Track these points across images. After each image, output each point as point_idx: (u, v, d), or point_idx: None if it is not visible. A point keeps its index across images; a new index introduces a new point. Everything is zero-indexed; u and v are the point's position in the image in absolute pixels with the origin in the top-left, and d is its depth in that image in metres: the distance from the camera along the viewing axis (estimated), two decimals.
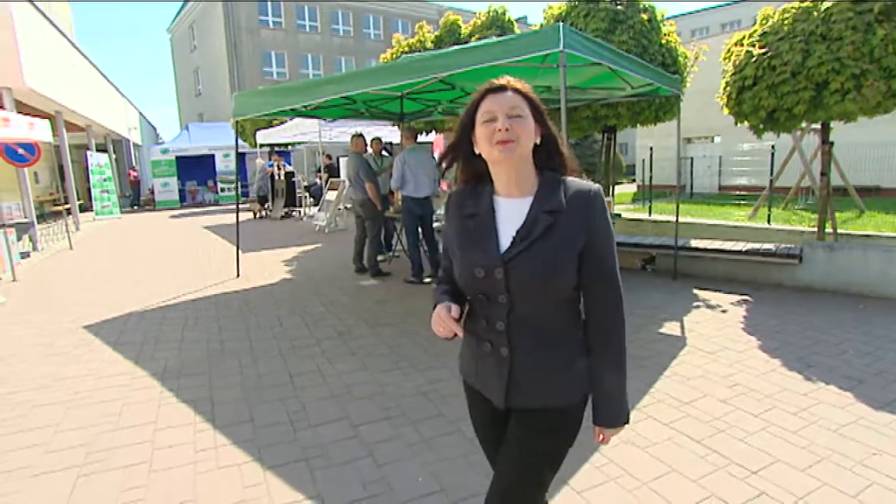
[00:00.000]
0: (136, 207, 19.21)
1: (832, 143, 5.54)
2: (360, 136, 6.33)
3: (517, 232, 1.19)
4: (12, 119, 7.39)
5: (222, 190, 19.69)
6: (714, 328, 4.28)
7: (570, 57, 3.47)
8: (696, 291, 5.41)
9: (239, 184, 19.88)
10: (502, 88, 1.21)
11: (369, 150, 7.02)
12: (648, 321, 4.50)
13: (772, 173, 9.06)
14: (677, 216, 5.83)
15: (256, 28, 28.52)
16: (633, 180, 23.39)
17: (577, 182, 1.24)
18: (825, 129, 5.48)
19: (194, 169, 19.52)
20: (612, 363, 1.26)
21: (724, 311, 4.73)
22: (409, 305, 5.18)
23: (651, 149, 12.07)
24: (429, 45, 8.61)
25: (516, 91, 1.21)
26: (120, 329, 4.68)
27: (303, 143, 15.45)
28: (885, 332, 4.04)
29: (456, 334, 1.20)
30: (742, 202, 12.74)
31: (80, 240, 10.84)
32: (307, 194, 13.18)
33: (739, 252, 5.53)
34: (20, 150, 9.13)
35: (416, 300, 5.35)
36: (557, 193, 1.20)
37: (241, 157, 20.12)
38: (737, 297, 5.11)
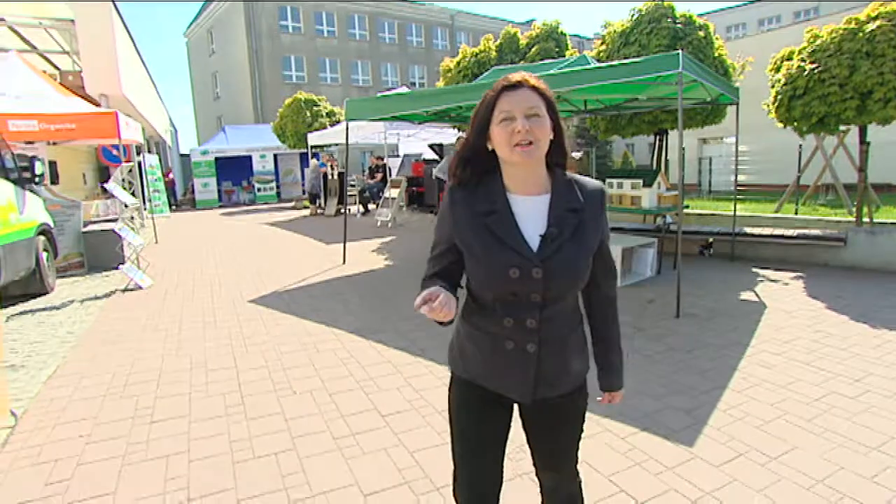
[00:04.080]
0: (174, 207, 19.98)
1: (869, 143, 6.46)
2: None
3: (547, 231, 1.21)
4: (129, 122, 8.22)
5: (259, 190, 20.49)
6: (784, 295, 5.19)
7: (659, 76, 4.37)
8: (754, 270, 6.32)
9: (275, 184, 20.73)
10: (519, 85, 1.20)
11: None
12: (726, 291, 5.41)
13: (799, 170, 9.99)
14: (735, 206, 6.76)
15: (276, 33, 29.26)
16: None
17: (586, 180, 1.29)
18: (863, 132, 6.40)
19: (230, 169, 20.31)
20: (617, 343, 1.44)
21: (785, 284, 5.64)
22: None
23: (683, 149, 13.00)
24: (493, 54, 9.50)
25: (533, 88, 1.20)
26: (286, 302, 5.53)
27: (338, 144, 16.27)
28: None
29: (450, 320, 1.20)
30: (761, 198, 13.67)
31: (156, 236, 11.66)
32: (357, 195, 14.02)
33: (791, 237, 6.44)
34: (114, 151, 10.01)
35: None
36: (574, 192, 1.25)
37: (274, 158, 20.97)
38: (793, 275, 6.03)
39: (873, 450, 2.49)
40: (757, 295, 5.27)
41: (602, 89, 5.55)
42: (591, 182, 1.29)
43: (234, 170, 20.41)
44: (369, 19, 32.13)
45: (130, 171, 7.88)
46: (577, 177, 1.29)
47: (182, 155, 26.23)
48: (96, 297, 6.03)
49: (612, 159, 25.21)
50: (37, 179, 6.06)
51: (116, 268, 7.06)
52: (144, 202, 12.69)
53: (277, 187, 21.16)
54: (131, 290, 6.34)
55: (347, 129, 7.18)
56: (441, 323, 1.19)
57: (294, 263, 7.74)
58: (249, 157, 20.18)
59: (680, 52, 4.16)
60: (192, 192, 19.72)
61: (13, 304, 5.70)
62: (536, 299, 1.21)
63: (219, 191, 20.14)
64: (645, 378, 3.36)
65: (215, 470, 2.50)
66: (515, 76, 1.21)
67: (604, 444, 2.61)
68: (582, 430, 1.44)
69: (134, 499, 2.30)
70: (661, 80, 4.88)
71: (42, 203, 6.37)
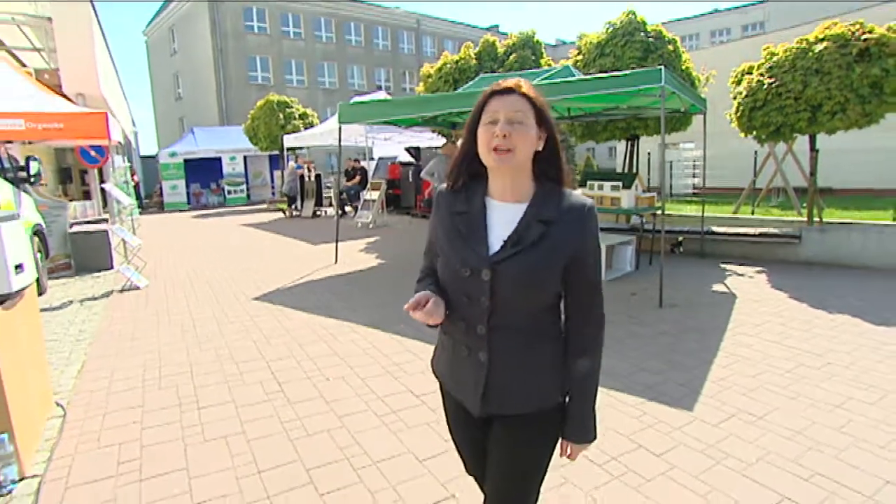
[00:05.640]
0: (140, 210, 19.48)
1: (818, 151, 7.19)
2: (455, 142, 7.58)
3: (509, 236, 1.19)
4: (114, 123, 8.16)
5: (229, 192, 20.25)
6: (751, 287, 5.78)
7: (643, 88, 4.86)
8: (722, 266, 6.94)
9: (245, 186, 20.49)
10: (509, 91, 1.19)
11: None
12: (700, 284, 5.96)
13: (754, 175, 10.83)
14: (703, 208, 7.38)
15: (242, 33, 28.86)
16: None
17: (572, 195, 1.24)
18: (813, 140, 7.12)
19: (199, 172, 19.99)
20: (583, 388, 1.26)
21: (751, 277, 6.25)
22: None
23: (649, 154, 13.77)
24: (472, 61, 9.91)
25: (523, 95, 1.19)
26: (291, 298, 5.73)
27: (312, 146, 16.31)
28: (871, 285, 5.64)
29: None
30: (718, 200, 14.61)
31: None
32: (334, 197, 14.15)
33: (755, 235, 7.10)
34: (92, 153, 9.84)
35: None
36: (552, 203, 1.20)
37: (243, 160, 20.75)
38: (756, 269, 6.66)
39: (837, 407, 2.99)
40: (727, 287, 5.83)
41: (587, 98, 6.01)
42: (578, 198, 1.23)
43: (202, 172, 20.09)
44: (336, 22, 32.09)
45: (134, 172, 7.82)
46: (567, 191, 1.24)
47: (143, 157, 25.52)
48: (94, 298, 6.05)
49: (574, 163, 26.18)
50: (32, 179, 6.04)
51: (110, 268, 7.06)
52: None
53: (247, 189, 20.95)
54: (128, 289, 6.38)
55: (340, 131, 7.42)
56: (430, 325, 1.24)
57: (286, 263, 7.89)
58: (219, 159, 19.92)
59: (662, 68, 4.64)
60: (161, 194, 19.30)
61: None
62: (485, 304, 1.19)
63: (187, 193, 19.78)
64: (643, 357, 3.79)
65: (275, 447, 2.75)
66: (510, 82, 1.21)
67: (619, 411, 3.01)
68: (540, 471, 1.30)
69: (206, 473, 2.53)
70: (642, 92, 5.37)
71: (34, 203, 6.33)
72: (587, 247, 1.22)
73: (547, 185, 1.24)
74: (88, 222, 9.02)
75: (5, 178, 5.54)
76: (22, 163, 6.39)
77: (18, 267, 2.63)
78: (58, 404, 3.29)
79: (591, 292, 1.26)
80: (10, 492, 2.39)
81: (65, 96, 9.19)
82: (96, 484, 2.46)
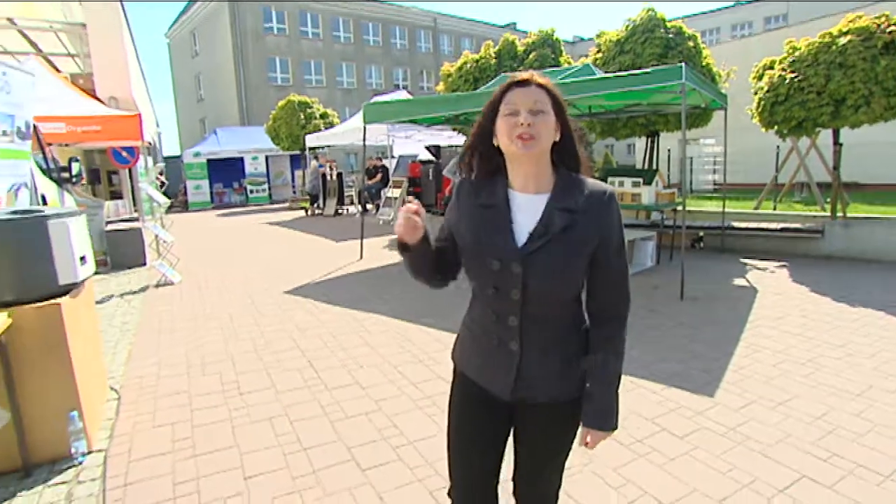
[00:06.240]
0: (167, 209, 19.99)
1: (841, 145, 7.17)
2: None
3: (535, 228, 1.20)
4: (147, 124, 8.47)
5: (251, 192, 20.66)
6: (772, 281, 5.82)
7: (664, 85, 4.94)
8: (742, 261, 6.96)
9: (267, 185, 20.88)
10: (527, 83, 1.21)
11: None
12: (720, 278, 6.02)
13: (776, 170, 10.76)
14: (724, 203, 7.41)
15: (261, 35, 29.32)
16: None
17: (593, 183, 1.25)
18: (836, 134, 7.10)
19: (221, 171, 20.43)
20: (607, 375, 1.27)
21: (772, 272, 6.28)
22: None
23: (669, 150, 13.74)
24: (492, 60, 10.02)
25: (540, 86, 1.21)
26: (322, 293, 5.93)
27: (333, 145, 16.56)
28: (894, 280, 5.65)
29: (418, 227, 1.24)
30: (738, 196, 14.50)
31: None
32: (355, 195, 14.40)
33: (775, 230, 7.11)
34: (123, 153, 10.21)
35: None
36: (574, 193, 1.22)
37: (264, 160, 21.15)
38: (777, 264, 6.68)
39: (858, 395, 3.07)
40: (748, 281, 5.88)
41: (609, 96, 6.10)
42: (599, 185, 1.24)
43: (225, 172, 20.53)
44: (353, 22, 32.39)
45: (161, 172, 8.14)
46: (587, 179, 1.26)
47: (166, 157, 26.12)
48: (132, 292, 6.33)
49: (593, 160, 26.14)
50: (73, 179, 6.33)
51: (143, 264, 7.35)
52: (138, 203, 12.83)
53: (269, 189, 21.35)
54: (163, 285, 6.66)
55: (365, 131, 7.60)
56: (402, 246, 1.32)
57: (313, 259, 8.11)
58: (241, 159, 20.34)
59: (683, 65, 4.72)
60: (185, 193, 19.77)
61: None
62: (517, 296, 1.20)
63: (211, 192, 20.23)
64: (664, 348, 3.90)
65: (317, 428, 2.93)
66: (524, 74, 1.23)
67: (642, 396, 3.13)
68: (565, 453, 1.38)
69: (254, 450, 2.73)
70: (663, 89, 5.44)
71: (75, 202, 6.63)
72: (612, 233, 1.23)
73: (565, 175, 1.25)
74: (122, 220, 9.37)
75: (50, 178, 5.83)
76: (63, 164, 6.69)
77: (82, 259, 2.85)
78: (112, 388, 3.52)
79: (618, 279, 1.27)
80: (80, 463, 2.60)
81: (98, 100, 9.56)
82: (155, 458, 2.67)
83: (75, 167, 6.37)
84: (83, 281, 2.93)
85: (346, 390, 3.39)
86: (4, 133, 3.15)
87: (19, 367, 2.48)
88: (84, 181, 7.51)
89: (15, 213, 2.68)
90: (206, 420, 3.07)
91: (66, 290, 2.75)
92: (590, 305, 1.30)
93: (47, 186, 5.67)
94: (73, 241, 2.74)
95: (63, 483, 2.46)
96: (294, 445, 2.75)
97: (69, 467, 2.58)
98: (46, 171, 5.83)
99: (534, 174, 1.23)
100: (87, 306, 3.14)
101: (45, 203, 5.25)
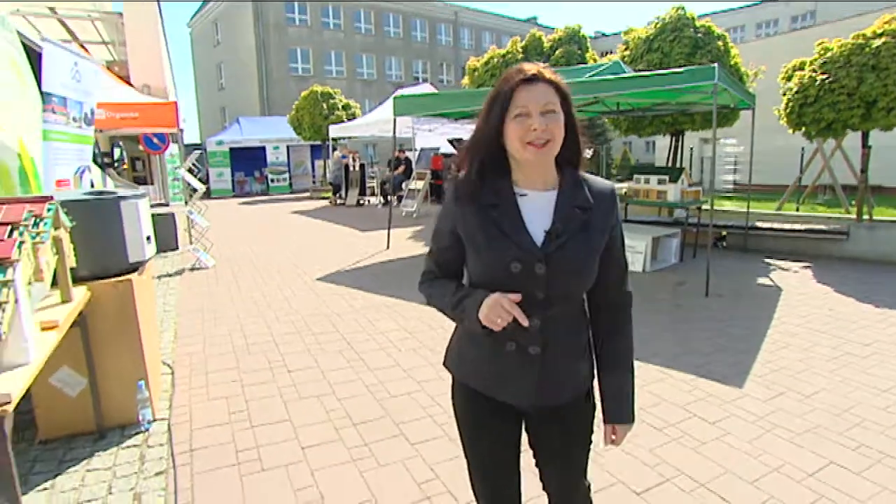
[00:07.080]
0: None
1: (870, 147, 7.16)
2: None
3: (552, 227, 1.17)
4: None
5: (273, 181, 20.96)
6: (796, 281, 5.88)
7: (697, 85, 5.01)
8: (766, 260, 7.01)
9: (288, 175, 21.15)
10: (535, 79, 1.14)
11: None
12: (744, 277, 6.09)
13: (801, 171, 10.72)
14: (748, 203, 7.45)
15: (283, 25, 29.55)
16: None
17: (596, 180, 1.25)
18: (865, 137, 7.10)
19: (243, 160, 20.73)
20: (628, 360, 1.31)
21: (795, 272, 6.33)
22: None
23: (691, 149, 13.72)
24: (519, 56, 10.10)
25: (549, 82, 1.15)
26: (353, 279, 6.12)
27: (354, 137, 16.75)
28: None
29: (516, 320, 1.12)
30: (760, 197, 14.42)
31: None
32: (377, 186, 14.58)
33: (800, 231, 7.14)
34: (155, 140, 10.47)
35: None
36: (583, 190, 1.21)
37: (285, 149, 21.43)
38: (801, 264, 6.72)
39: (885, 391, 3.16)
40: (772, 280, 5.95)
41: (638, 94, 6.18)
42: (603, 182, 1.25)
43: (247, 160, 20.83)
44: (375, 13, 32.48)
45: (199, 158, 8.39)
46: (588, 175, 1.25)
47: (186, 145, 26.54)
48: (169, 275, 6.57)
49: (611, 157, 26.04)
50: (115, 164, 6.58)
51: (176, 248, 7.59)
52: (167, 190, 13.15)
53: (290, 178, 21.63)
54: (198, 269, 6.89)
55: (395, 124, 7.76)
56: (459, 319, 1.24)
57: (340, 248, 8.31)
58: (263, 149, 20.64)
59: (716, 65, 4.79)
60: (207, 181, 20.10)
61: None
62: (539, 297, 1.16)
63: (232, 181, 20.56)
64: (691, 341, 4.01)
65: (364, 405, 3.11)
66: (531, 68, 1.16)
67: (671, 386, 3.25)
68: (591, 441, 1.38)
69: (306, 423, 2.90)
70: (695, 89, 5.51)
71: (114, 188, 6.89)
72: (617, 228, 1.26)
73: (567, 170, 1.23)
74: (155, 205, 9.65)
75: (95, 163, 6.07)
76: (104, 149, 6.94)
77: (148, 238, 3.04)
78: (164, 363, 3.73)
79: (622, 273, 1.29)
80: (146, 430, 2.81)
81: (132, 86, 9.81)
82: (215, 428, 2.87)
83: (117, 152, 6.61)
84: (148, 259, 3.13)
85: (388, 371, 3.57)
86: (74, 119, 3.35)
87: (96, 338, 2.68)
88: (125, 166, 7.75)
89: (89, 194, 2.87)
90: (257, 395, 3.26)
91: (135, 268, 2.94)
92: (598, 299, 1.30)
93: (94, 171, 5.91)
94: (142, 221, 2.92)
95: (135, 446, 2.66)
96: (344, 421, 2.92)
97: (137, 433, 2.78)
98: (94, 157, 6.07)
99: (541, 172, 1.21)
100: (149, 284, 3.34)
101: (92, 187, 5.48)
